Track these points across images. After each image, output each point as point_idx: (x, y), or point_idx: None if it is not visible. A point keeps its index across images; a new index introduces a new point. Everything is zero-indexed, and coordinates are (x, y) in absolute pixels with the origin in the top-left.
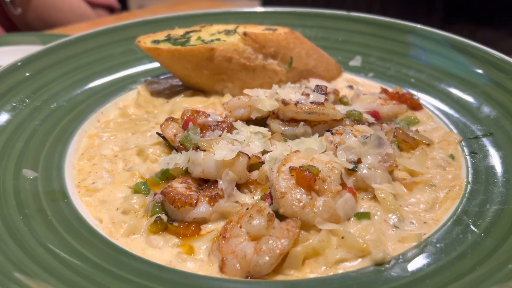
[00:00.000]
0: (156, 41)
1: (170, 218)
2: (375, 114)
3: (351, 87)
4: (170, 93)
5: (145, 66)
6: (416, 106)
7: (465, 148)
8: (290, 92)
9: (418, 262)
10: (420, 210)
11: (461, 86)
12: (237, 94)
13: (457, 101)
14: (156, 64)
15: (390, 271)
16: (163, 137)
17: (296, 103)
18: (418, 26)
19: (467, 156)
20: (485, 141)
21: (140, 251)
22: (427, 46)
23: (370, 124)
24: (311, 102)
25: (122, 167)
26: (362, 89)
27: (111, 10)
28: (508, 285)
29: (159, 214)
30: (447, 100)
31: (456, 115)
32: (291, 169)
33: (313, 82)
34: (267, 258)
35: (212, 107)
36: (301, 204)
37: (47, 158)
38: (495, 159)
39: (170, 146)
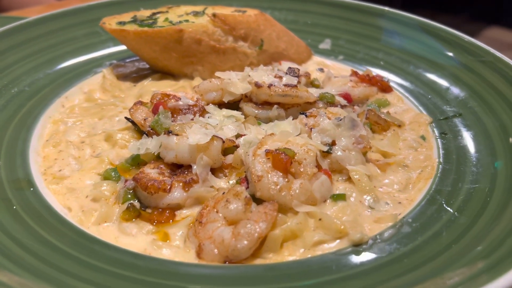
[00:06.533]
0: (121, 23)
1: (143, 205)
2: (347, 97)
3: (321, 70)
4: (137, 76)
5: (110, 49)
6: (386, 88)
7: (435, 129)
8: (263, 75)
9: (395, 242)
10: (394, 190)
11: (430, 68)
12: (207, 77)
13: (426, 83)
14: (121, 47)
15: (368, 251)
16: (132, 122)
17: (269, 85)
18: (387, 8)
19: (437, 137)
20: (455, 122)
21: (113, 239)
22: (396, 29)
23: (342, 107)
24: (284, 85)
25: (90, 153)
26: (333, 72)
27: None
28: (483, 262)
29: (131, 201)
30: (416, 82)
31: (425, 97)
32: (267, 152)
33: (285, 64)
34: (245, 242)
35: (181, 91)
36: (278, 187)
37: (10, 145)
38: (465, 140)
39: (139, 131)
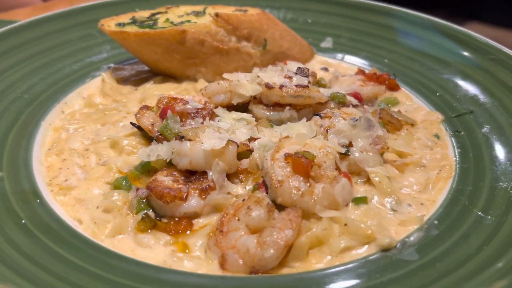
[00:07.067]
0: (121, 24)
1: (158, 214)
2: (357, 96)
3: (325, 69)
4: (137, 79)
5: (107, 51)
6: (394, 86)
7: (447, 127)
8: (273, 75)
9: (424, 245)
10: (414, 191)
11: (436, 65)
12: (211, 79)
13: (434, 81)
14: (119, 49)
15: (398, 256)
16: (138, 127)
17: (281, 86)
18: (388, 6)
19: (451, 135)
20: (467, 119)
21: (129, 252)
22: (398, 26)
23: (354, 106)
24: (296, 85)
25: (96, 161)
26: (340, 71)
27: None
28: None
29: (146, 211)
30: (423, 80)
31: (434, 94)
32: (287, 156)
33: (291, 64)
34: (272, 251)
35: (186, 94)
36: (300, 192)
37: (12, 155)
38: (479, 137)
39: (146, 136)
